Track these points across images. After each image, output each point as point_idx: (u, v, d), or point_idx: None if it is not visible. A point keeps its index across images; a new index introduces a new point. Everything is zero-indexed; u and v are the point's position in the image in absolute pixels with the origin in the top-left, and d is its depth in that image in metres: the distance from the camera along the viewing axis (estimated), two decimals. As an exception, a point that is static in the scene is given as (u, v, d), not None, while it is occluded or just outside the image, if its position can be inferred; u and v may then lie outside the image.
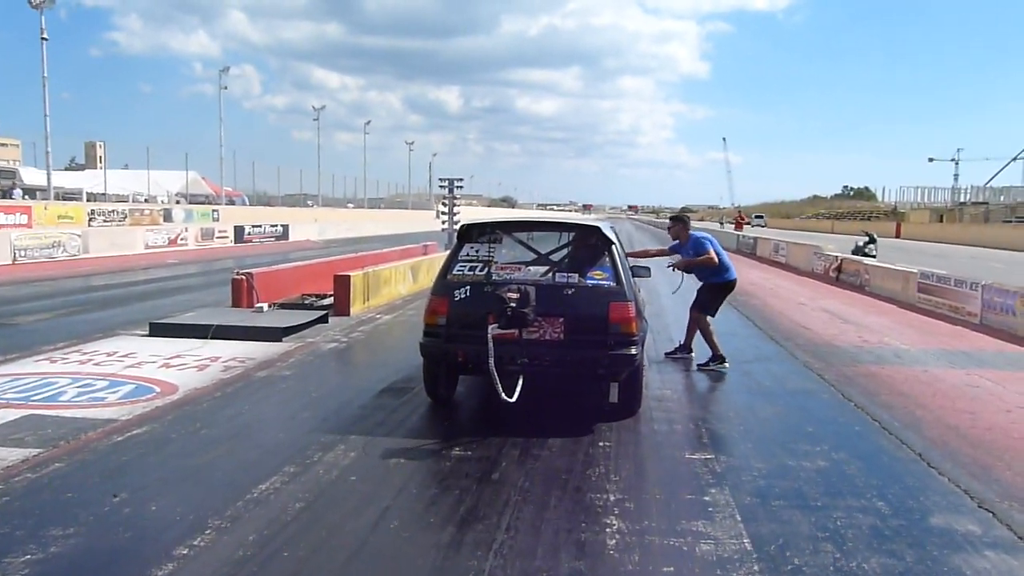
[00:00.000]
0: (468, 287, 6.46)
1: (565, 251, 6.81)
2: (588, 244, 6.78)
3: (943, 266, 19.30)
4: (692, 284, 9.22)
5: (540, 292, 6.21)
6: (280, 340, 9.94)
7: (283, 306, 12.44)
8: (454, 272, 6.65)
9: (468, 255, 6.75)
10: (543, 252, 6.84)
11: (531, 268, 6.63)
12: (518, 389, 6.21)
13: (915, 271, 16.25)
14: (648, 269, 7.94)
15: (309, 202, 61.07)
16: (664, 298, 15.67)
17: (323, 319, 11.57)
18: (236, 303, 12.44)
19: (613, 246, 6.70)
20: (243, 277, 12.58)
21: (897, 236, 59.38)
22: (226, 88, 49.54)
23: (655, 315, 11.84)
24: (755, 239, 34.66)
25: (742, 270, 24.58)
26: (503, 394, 6.04)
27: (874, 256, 25.15)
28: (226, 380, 7.84)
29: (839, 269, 20.94)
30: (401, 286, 15.42)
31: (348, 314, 12.35)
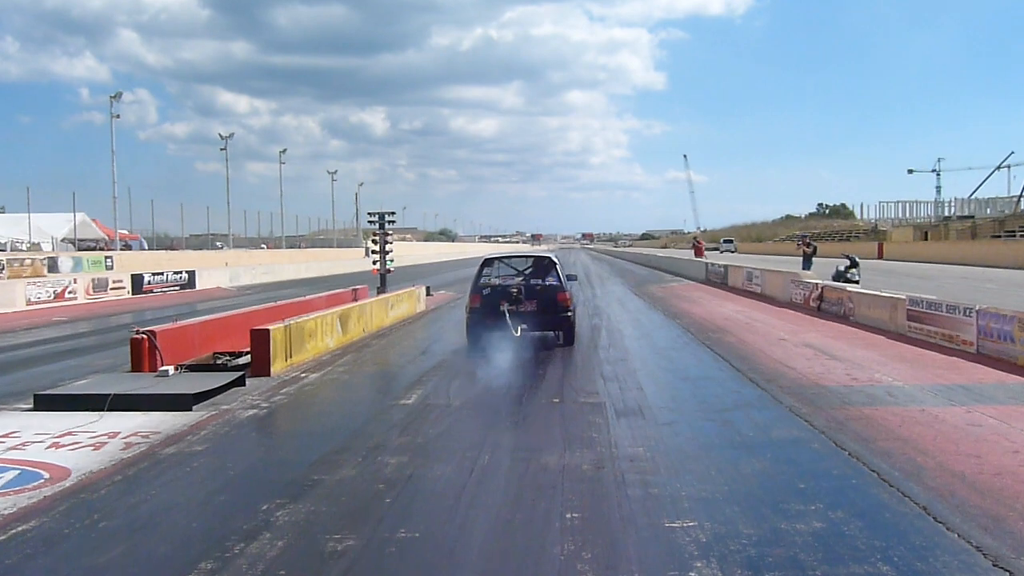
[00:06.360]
0: (489, 288, 14.72)
1: (532, 268, 15.72)
2: (544, 264, 15.74)
3: (932, 289, 19.84)
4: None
5: (525, 288, 14.49)
6: (190, 409, 9.72)
7: (192, 368, 12.19)
8: (481, 281, 14.90)
9: (486, 272, 15.33)
10: (521, 269, 15.85)
11: (516, 277, 15.35)
12: (519, 332, 13.81)
13: (903, 297, 16.62)
14: (575, 276, 16.24)
15: (218, 243, 60.37)
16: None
17: (239, 381, 11.35)
18: (136, 367, 12.14)
19: (556, 265, 15.38)
20: (144, 336, 12.30)
21: (880, 257, 60.86)
22: (118, 117, 48.78)
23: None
24: (726, 267, 35.15)
25: (713, 303, 25.06)
26: (513, 332, 13.67)
27: (857, 281, 25.65)
28: (127, 460, 7.62)
29: (820, 298, 21.37)
30: (329, 339, 15.25)
31: (268, 374, 12.17)
